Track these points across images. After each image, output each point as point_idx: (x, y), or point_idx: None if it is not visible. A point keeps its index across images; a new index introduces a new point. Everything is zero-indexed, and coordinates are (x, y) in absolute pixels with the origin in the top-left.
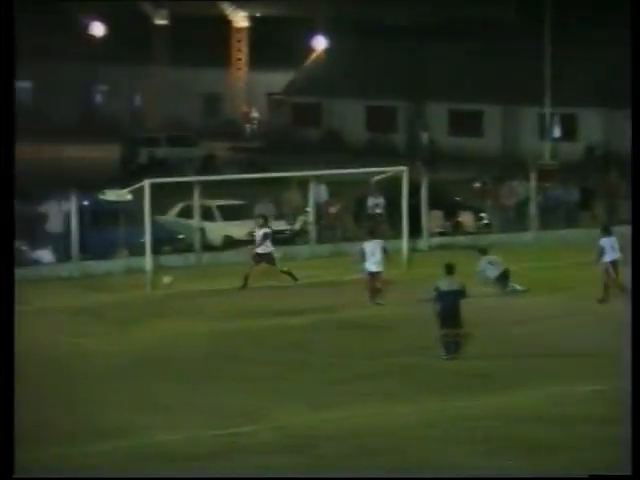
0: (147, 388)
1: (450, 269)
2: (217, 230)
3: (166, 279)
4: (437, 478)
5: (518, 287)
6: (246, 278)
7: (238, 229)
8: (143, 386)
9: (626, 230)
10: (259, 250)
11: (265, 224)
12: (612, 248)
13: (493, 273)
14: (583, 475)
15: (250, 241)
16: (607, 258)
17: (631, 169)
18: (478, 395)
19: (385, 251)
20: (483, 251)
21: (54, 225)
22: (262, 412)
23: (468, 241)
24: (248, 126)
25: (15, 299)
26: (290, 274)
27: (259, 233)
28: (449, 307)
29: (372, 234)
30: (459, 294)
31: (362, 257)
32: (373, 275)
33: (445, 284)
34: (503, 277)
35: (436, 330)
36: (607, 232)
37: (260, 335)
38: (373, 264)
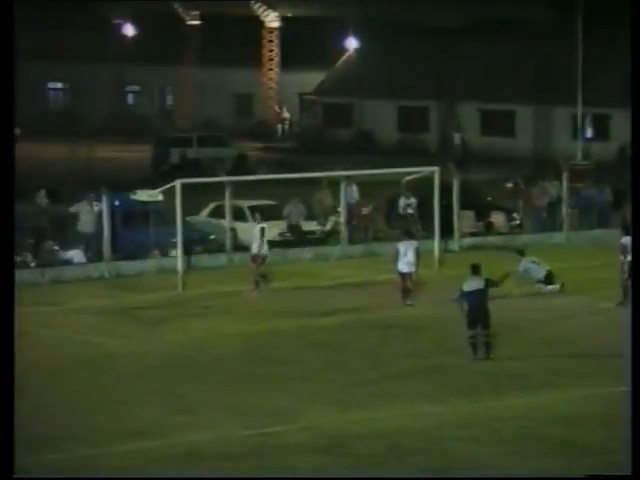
0: (177, 388)
1: (475, 269)
2: (248, 230)
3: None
4: (439, 478)
5: (557, 286)
6: (257, 281)
7: (269, 229)
8: (173, 386)
9: None
10: (257, 250)
11: (262, 220)
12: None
13: (539, 273)
14: (583, 475)
15: (281, 242)
16: (629, 257)
17: (631, 169)
18: (510, 396)
19: (417, 252)
20: (521, 252)
21: (86, 225)
22: (292, 412)
23: (500, 242)
24: (279, 126)
25: (15, 301)
26: (265, 278)
27: (256, 230)
28: (475, 308)
29: (407, 234)
30: (482, 293)
31: (395, 257)
32: (404, 275)
33: (468, 284)
34: (548, 277)
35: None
36: (628, 230)
37: (290, 335)
38: (405, 264)
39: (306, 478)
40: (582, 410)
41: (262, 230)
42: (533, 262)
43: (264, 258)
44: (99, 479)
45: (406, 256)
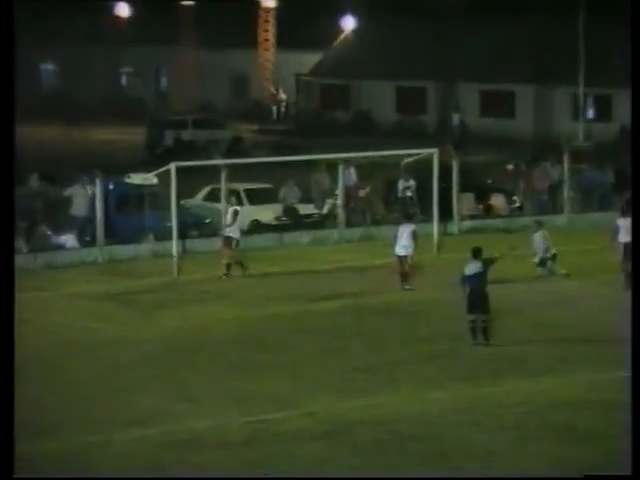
0: (176, 375)
1: (477, 253)
2: (244, 214)
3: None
4: (437, 478)
5: (562, 271)
6: (229, 265)
7: (266, 213)
8: (172, 373)
9: None
10: (229, 233)
11: (237, 202)
12: (627, 230)
13: (540, 247)
14: (584, 475)
15: (278, 226)
16: (621, 239)
17: (632, 169)
18: (511, 381)
19: (415, 235)
20: (540, 224)
21: (79, 209)
22: (292, 398)
23: (500, 224)
24: (275, 108)
25: (15, 295)
26: (242, 265)
27: (229, 212)
28: (474, 292)
29: (405, 217)
30: (481, 277)
31: (395, 240)
32: (401, 259)
33: (468, 268)
34: (543, 261)
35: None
36: (624, 212)
37: (289, 321)
38: (401, 247)
39: (307, 478)
40: (585, 396)
41: (235, 213)
42: (543, 239)
43: (237, 243)
44: (99, 479)
45: (402, 239)
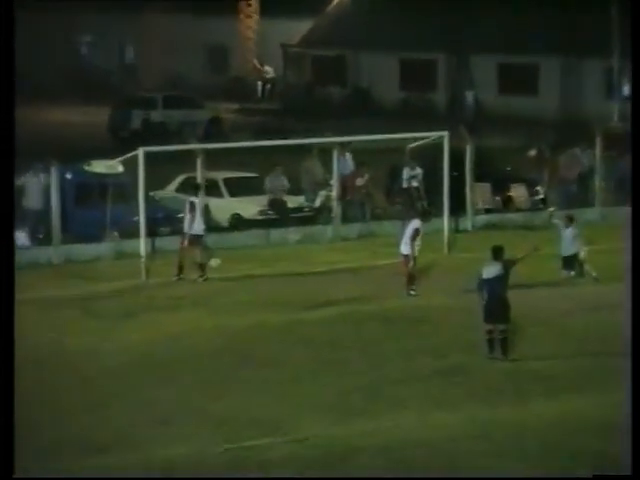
0: (146, 393)
1: (497, 253)
2: (224, 208)
3: (213, 262)
4: (438, 478)
5: (572, 273)
6: (181, 267)
7: (249, 206)
8: (141, 391)
9: None
10: (190, 229)
11: (197, 193)
12: None
13: (568, 247)
14: (584, 475)
15: (263, 221)
16: None
17: (631, 169)
18: (535, 402)
19: (416, 232)
20: (570, 219)
21: (31, 202)
22: (280, 421)
23: (520, 220)
24: (260, 84)
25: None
26: (201, 268)
27: (187, 205)
28: (493, 298)
29: (416, 212)
30: (501, 281)
31: (400, 237)
32: (406, 259)
33: (487, 270)
34: (569, 261)
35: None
36: None
37: (277, 330)
38: (403, 245)
39: (278, 478)
40: (621, 418)
41: (192, 205)
42: (572, 237)
43: (196, 238)
44: (99, 479)
45: (405, 236)
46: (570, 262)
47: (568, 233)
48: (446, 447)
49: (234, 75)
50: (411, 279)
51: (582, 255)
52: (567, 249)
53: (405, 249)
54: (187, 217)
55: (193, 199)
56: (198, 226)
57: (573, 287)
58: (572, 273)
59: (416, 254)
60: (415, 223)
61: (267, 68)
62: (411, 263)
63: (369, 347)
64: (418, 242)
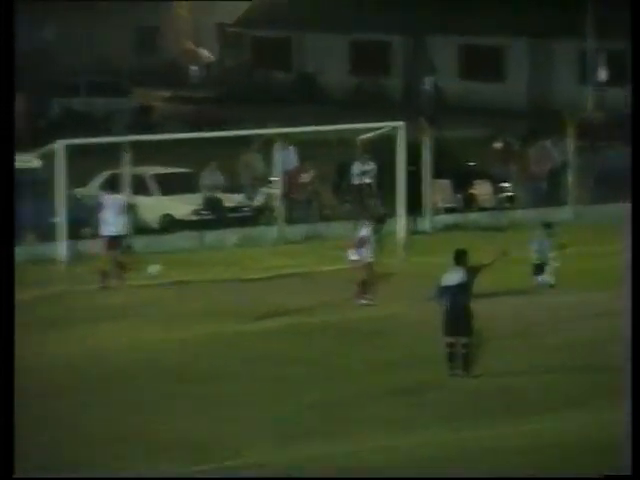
0: (64, 416)
1: (460, 257)
2: (153, 207)
3: (152, 269)
4: (438, 478)
5: (548, 279)
6: (105, 272)
7: (181, 206)
8: (59, 414)
9: None
10: (110, 230)
11: (118, 189)
12: None
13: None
14: (583, 475)
15: (197, 222)
16: None
17: (631, 168)
18: (502, 422)
19: (362, 240)
20: (548, 225)
21: None
22: (221, 445)
23: (485, 220)
24: (194, 69)
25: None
26: (121, 269)
27: (107, 203)
28: (455, 307)
29: (367, 212)
30: (464, 289)
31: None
32: (352, 264)
33: (448, 277)
34: (538, 266)
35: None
36: None
37: (219, 344)
38: (349, 251)
39: (307, 478)
40: (596, 440)
41: (113, 203)
42: (542, 241)
43: (117, 240)
44: (99, 479)
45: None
46: (542, 268)
47: (543, 238)
48: (404, 473)
49: (165, 58)
50: (364, 287)
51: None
52: (541, 255)
53: (353, 254)
54: (108, 216)
55: (114, 196)
56: (118, 227)
57: (544, 296)
58: (547, 280)
59: (369, 259)
60: (363, 231)
61: (202, 51)
62: (366, 269)
63: (319, 362)
64: (367, 250)
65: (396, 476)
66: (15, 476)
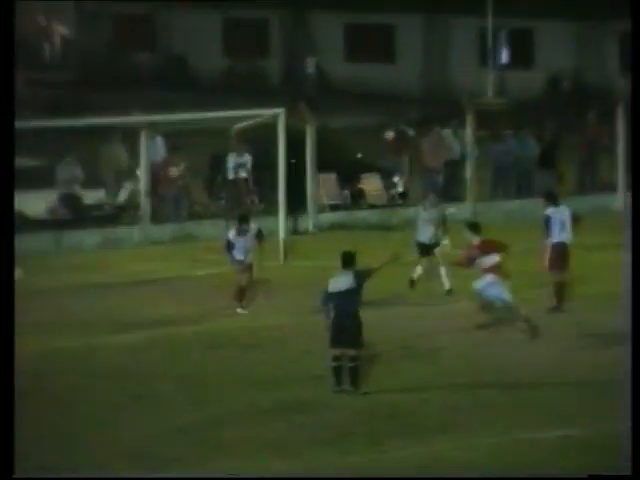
0: None
1: (347, 260)
2: None
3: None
4: (437, 478)
5: (447, 283)
6: None
7: (33, 203)
8: None
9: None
10: None
11: None
12: (562, 224)
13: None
14: (583, 475)
15: (52, 221)
16: (555, 238)
17: (631, 169)
18: (393, 445)
19: (228, 244)
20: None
21: None
22: (73, 472)
23: (374, 218)
24: (47, 47)
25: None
26: None
27: None
28: (342, 316)
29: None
30: (352, 295)
31: (228, 249)
32: (241, 267)
33: (335, 282)
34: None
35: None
36: (553, 199)
37: (70, 359)
38: (241, 251)
39: (307, 478)
40: (493, 461)
41: None
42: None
43: None
44: (99, 479)
45: (241, 240)
46: (426, 251)
47: (425, 215)
48: None
49: (15, 36)
50: (241, 294)
51: (440, 249)
52: (422, 234)
53: (242, 255)
54: None
55: None
56: None
57: (445, 304)
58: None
59: (250, 260)
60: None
61: (56, 27)
62: (245, 273)
63: (188, 379)
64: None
65: None
66: (15, 476)
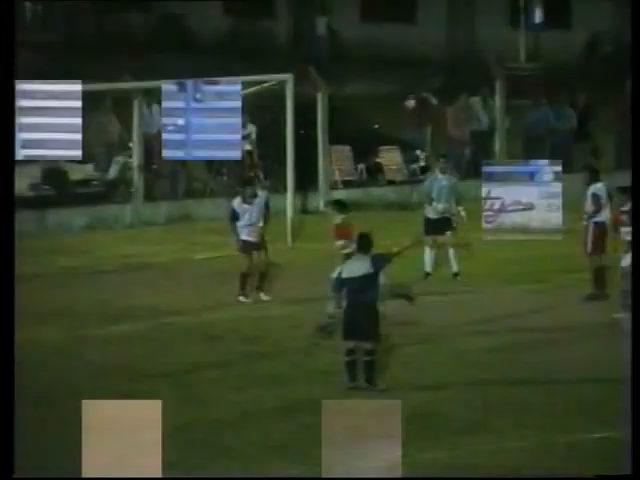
0: None
1: (364, 243)
2: None
3: None
4: (437, 477)
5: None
6: None
7: (15, 179)
8: None
9: None
10: None
11: None
12: (605, 200)
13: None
14: (583, 475)
15: (35, 198)
16: (598, 217)
17: (631, 169)
18: (416, 448)
19: (234, 214)
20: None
21: None
22: None
23: (394, 196)
24: (28, 5)
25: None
26: None
27: None
28: (356, 305)
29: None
30: (369, 282)
31: (232, 221)
32: (248, 248)
33: (350, 267)
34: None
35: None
36: (596, 175)
37: (56, 351)
38: (247, 229)
39: (307, 478)
40: (532, 465)
41: None
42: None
43: None
44: (99, 479)
45: (246, 216)
46: (434, 229)
47: (439, 181)
48: None
49: None
50: (247, 280)
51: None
52: (436, 206)
53: (250, 235)
54: None
55: None
56: None
57: (469, 293)
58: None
59: (256, 239)
60: (259, 199)
61: None
62: (254, 255)
63: (186, 376)
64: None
65: None
66: (15, 476)
